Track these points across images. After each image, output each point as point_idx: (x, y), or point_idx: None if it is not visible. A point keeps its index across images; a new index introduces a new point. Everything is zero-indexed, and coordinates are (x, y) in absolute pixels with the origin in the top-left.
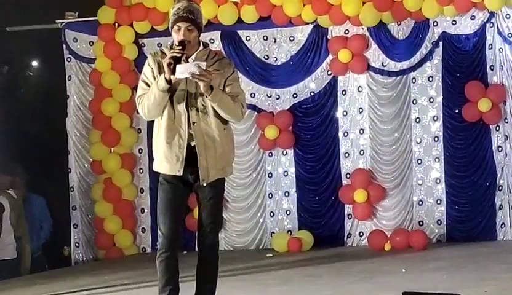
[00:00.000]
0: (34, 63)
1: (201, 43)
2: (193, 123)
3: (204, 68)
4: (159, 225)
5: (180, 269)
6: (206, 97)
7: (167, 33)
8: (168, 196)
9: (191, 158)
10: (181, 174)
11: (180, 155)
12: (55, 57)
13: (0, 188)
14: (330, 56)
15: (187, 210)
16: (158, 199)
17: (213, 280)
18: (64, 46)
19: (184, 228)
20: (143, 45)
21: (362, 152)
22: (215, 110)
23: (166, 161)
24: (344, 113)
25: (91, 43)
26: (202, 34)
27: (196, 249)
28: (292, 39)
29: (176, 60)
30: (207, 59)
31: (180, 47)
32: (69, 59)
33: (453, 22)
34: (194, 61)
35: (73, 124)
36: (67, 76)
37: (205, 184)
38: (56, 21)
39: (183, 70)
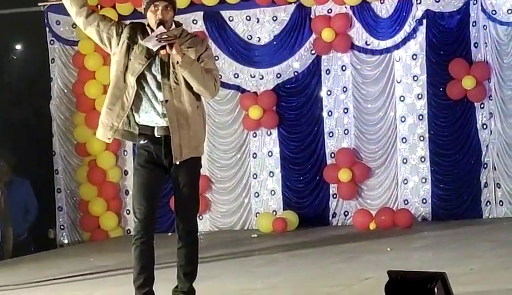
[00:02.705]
0: (17, 46)
1: (173, 23)
2: (166, 100)
3: (164, 30)
4: (134, 210)
5: (162, 254)
6: (177, 63)
7: None
8: (142, 181)
9: (165, 138)
10: (110, 142)
11: (116, 124)
12: (38, 40)
13: None
14: (314, 36)
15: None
16: (133, 184)
17: (193, 263)
18: (47, 29)
19: (169, 209)
20: None
21: (346, 131)
22: (188, 88)
23: (101, 126)
24: (328, 92)
25: (74, 26)
26: (184, 15)
27: None
28: (275, 18)
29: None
30: (180, 37)
31: (162, 29)
32: (52, 42)
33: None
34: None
35: (57, 107)
36: (50, 59)
37: (178, 163)
38: (39, 4)
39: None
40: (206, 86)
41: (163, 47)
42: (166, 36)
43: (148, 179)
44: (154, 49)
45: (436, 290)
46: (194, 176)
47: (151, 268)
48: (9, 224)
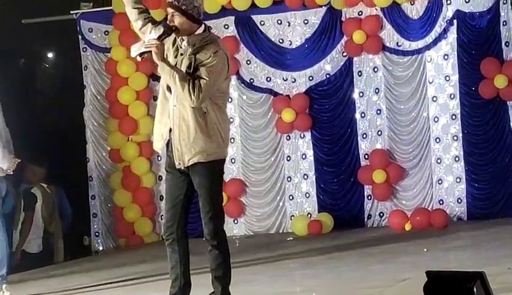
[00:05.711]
0: (50, 55)
1: (200, 28)
2: (174, 106)
3: (154, 37)
4: None
5: (202, 259)
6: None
7: None
8: (167, 186)
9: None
10: (159, 151)
11: (164, 134)
12: (70, 47)
13: (35, 180)
14: (345, 38)
15: None
16: None
17: (221, 267)
18: (80, 36)
19: None
20: None
21: (379, 133)
22: None
23: (155, 138)
24: (361, 94)
25: (106, 33)
26: (216, 20)
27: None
28: (306, 22)
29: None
30: (195, 43)
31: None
32: (84, 49)
33: (467, 0)
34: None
35: (90, 114)
36: (83, 66)
37: (182, 168)
38: (71, 12)
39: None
40: (182, 93)
41: (145, 53)
42: (149, 43)
43: (169, 184)
44: (133, 55)
45: (475, 289)
46: (206, 180)
47: (179, 270)
48: (60, 237)
